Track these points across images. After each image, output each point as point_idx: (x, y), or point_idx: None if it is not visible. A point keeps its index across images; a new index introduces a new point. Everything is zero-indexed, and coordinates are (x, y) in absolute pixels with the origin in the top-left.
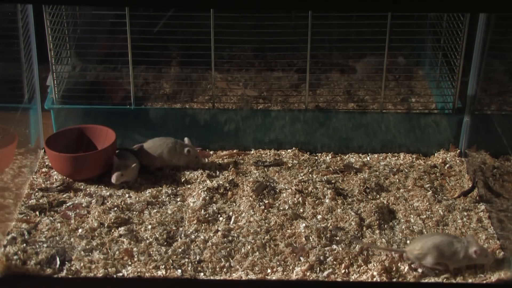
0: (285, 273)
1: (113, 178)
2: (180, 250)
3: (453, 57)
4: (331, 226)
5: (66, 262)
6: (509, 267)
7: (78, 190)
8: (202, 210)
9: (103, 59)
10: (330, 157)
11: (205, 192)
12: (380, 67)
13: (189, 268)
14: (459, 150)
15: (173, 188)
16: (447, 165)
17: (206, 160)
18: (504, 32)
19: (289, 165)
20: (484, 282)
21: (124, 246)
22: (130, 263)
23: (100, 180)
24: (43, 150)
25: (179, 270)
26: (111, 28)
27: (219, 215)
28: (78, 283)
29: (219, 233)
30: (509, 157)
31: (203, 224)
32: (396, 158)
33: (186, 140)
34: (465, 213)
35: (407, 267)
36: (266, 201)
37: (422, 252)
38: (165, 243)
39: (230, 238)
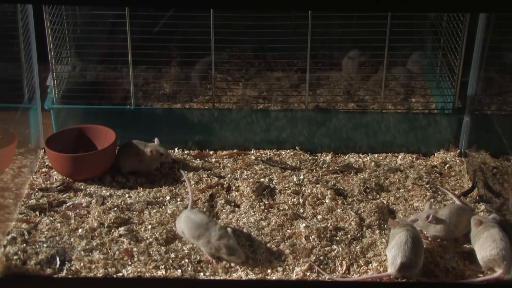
0: (285, 273)
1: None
2: (180, 250)
3: (453, 57)
4: (331, 226)
5: (66, 262)
6: (509, 267)
7: (78, 190)
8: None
9: (103, 59)
10: (330, 157)
11: (205, 192)
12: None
13: (189, 268)
14: (459, 150)
15: (173, 188)
16: (447, 165)
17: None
18: (504, 32)
19: (290, 165)
20: (484, 282)
21: (124, 246)
22: (130, 263)
23: (100, 180)
24: (43, 150)
25: (179, 270)
26: (111, 28)
27: (219, 215)
28: (78, 283)
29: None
30: (509, 157)
31: None
32: (396, 158)
33: (155, 141)
34: None
35: None
36: (266, 202)
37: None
38: (165, 243)
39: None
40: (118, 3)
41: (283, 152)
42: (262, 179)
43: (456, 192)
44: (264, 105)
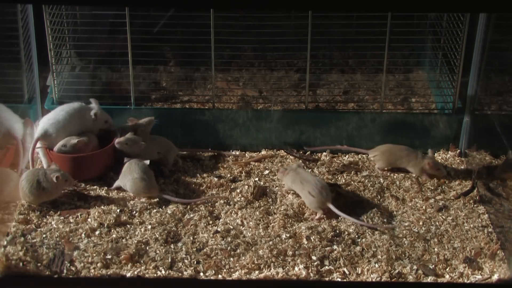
0: (285, 272)
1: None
2: (180, 250)
3: (453, 57)
4: (331, 227)
5: (66, 262)
6: (509, 267)
7: (79, 190)
8: (202, 210)
9: (103, 59)
10: (329, 157)
11: (205, 192)
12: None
13: (189, 268)
14: (459, 150)
15: (173, 188)
16: (447, 165)
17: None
18: (504, 32)
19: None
20: (484, 282)
21: (124, 246)
22: (130, 263)
23: (100, 180)
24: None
25: (180, 270)
26: (111, 28)
27: (219, 215)
28: (78, 283)
29: (219, 233)
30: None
31: (203, 224)
32: None
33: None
34: (465, 213)
35: (407, 267)
36: (267, 202)
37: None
38: (165, 243)
39: (230, 238)
40: (118, 3)
41: (283, 152)
42: (262, 180)
43: (455, 193)
44: (264, 105)
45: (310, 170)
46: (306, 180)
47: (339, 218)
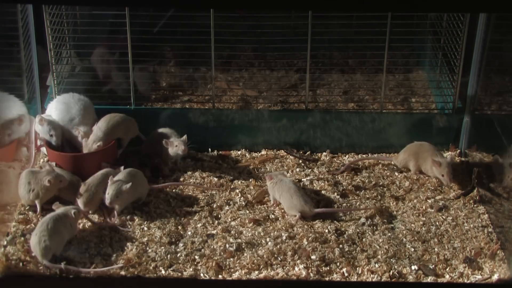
0: (285, 272)
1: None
2: (181, 250)
3: (453, 57)
4: (331, 227)
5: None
6: (509, 267)
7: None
8: (203, 210)
9: (103, 59)
10: (329, 157)
11: (206, 192)
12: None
13: (189, 268)
14: (459, 150)
15: (174, 188)
16: None
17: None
18: (504, 32)
19: (289, 165)
20: (484, 282)
21: (124, 246)
22: (130, 263)
23: None
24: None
25: (180, 270)
26: (111, 28)
27: (219, 215)
28: (78, 283)
29: (220, 234)
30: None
31: (204, 224)
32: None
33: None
34: (465, 213)
35: (407, 267)
36: (267, 201)
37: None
38: (166, 243)
39: (230, 238)
40: (118, 3)
41: (283, 152)
42: (261, 180)
43: (455, 193)
44: (264, 105)
45: (310, 170)
46: (290, 189)
47: (339, 218)
